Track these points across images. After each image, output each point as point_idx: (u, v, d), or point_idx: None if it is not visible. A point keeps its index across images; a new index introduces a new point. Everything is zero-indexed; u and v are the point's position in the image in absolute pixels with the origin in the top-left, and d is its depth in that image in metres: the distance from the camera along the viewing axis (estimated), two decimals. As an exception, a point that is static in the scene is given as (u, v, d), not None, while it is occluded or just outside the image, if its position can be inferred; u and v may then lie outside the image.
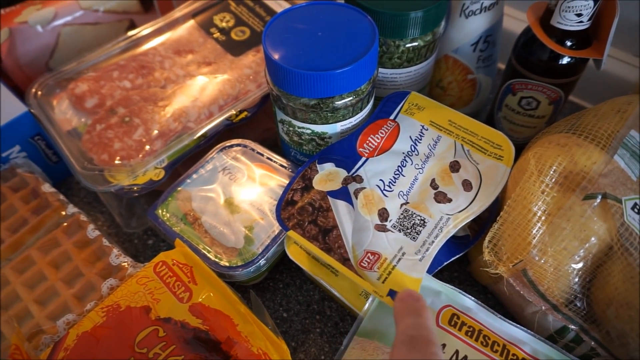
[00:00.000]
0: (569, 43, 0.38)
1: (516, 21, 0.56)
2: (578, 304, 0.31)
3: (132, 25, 0.59)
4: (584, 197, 0.29)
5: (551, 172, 0.30)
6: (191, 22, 0.53)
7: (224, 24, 0.53)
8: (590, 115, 0.36)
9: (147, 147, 0.43)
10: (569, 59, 0.39)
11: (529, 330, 0.32)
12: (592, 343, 0.31)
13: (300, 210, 0.34)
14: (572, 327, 0.31)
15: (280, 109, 0.39)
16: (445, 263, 0.36)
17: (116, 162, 0.42)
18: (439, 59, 0.47)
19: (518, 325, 0.32)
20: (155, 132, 0.44)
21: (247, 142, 0.45)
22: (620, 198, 0.29)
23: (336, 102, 0.36)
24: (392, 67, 0.42)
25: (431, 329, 0.25)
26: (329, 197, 0.34)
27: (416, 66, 0.42)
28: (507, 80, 0.43)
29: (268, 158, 0.43)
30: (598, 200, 0.29)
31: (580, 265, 0.30)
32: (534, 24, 0.39)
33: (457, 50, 0.45)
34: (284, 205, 0.35)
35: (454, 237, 0.37)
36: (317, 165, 0.37)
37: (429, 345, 0.24)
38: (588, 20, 0.36)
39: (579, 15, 0.36)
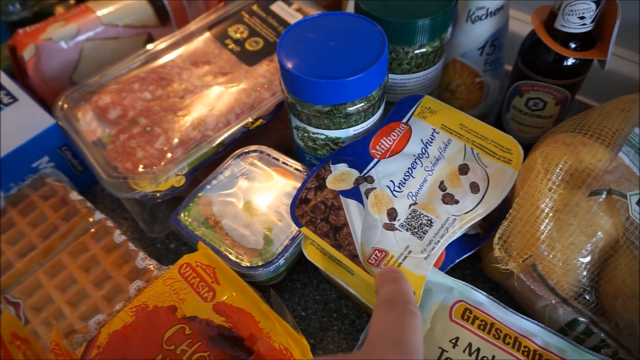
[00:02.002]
0: (573, 45, 0.39)
1: (522, 24, 0.57)
2: (587, 297, 0.33)
3: (150, 39, 0.61)
4: (590, 193, 0.30)
5: (557, 170, 0.31)
6: (207, 34, 0.55)
7: (238, 35, 0.55)
8: (595, 114, 0.37)
9: (169, 155, 0.45)
10: (573, 61, 0.40)
11: (540, 323, 0.33)
12: (602, 334, 0.32)
13: (313, 208, 0.36)
14: (582, 319, 0.32)
15: (295, 116, 0.41)
16: (457, 260, 0.37)
17: (139, 170, 0.44)
18: (447, 63, 0.48)
19: (529, 319, 0.33)
20: (176, 140, 0.46)
21: (263, 148, 0.47)
22: (626, 193, 0.30)
23: (348, 108, 0.38)
24: (401, 72, 0.43)
25: (407, 292, 0.28)
26: (340, 196, 0.36)
27: (425, 71, 0.44)
28: (514, 82, 0.44)
29: (284, 163, 0.45)
30: (603, 196, 0.30)
31: (588, 259, 0.31)
32: (538, 27, 0.40)
33: (464, 54, 0.47)
34: (298, 203, 0.37)
35: (465, 236, 0.38)
36: (331, 165, 0.38)
37: (405, 303, 0.26)
38: (591, 22, 0.38)
39: (582, 17, 0.37)
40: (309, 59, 0.37)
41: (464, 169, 0.37)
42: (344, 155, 0.38)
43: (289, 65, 0.37)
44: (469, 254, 0.38)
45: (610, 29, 0.38)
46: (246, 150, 0.47)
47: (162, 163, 0.44)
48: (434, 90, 0.47)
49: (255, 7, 0.57)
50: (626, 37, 0.52)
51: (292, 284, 0.44)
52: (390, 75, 0.44)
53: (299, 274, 0.44)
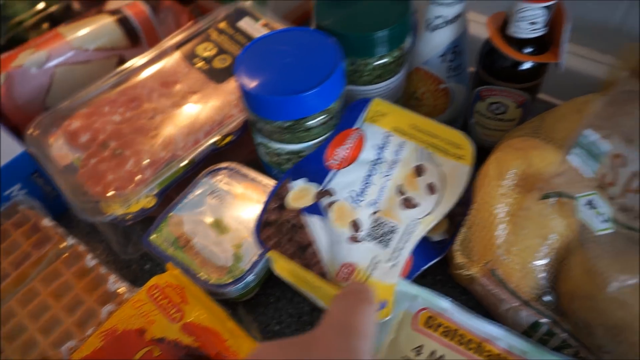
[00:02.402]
0: (527, 50, 0.40)
1: (484, 27, 0.58)
2: (547, 298, 0.33)
3: (122, 60, 0.62)
4: (541, 197, 0.31)
5: (510, 176, 0.32)
6: (176, 54, 0.56)
7: (206, 53, 0.55)
8: (551, 116, 0.38)
9: (139, 176, 0.45)
10: (529, 65, 0.41)
11: (504, 326, 0.34)
12: (564, 335, 0.33)
13: (277, 229, 0.36)
14: (544, 320, 0.33)
15: (257, 132, 0.41)
16: (424, 267, 0.38)
17: (110, 193, 0.44)
18: (410, 71, 0.49)
19: (494, 322, 0.34)
20: (146, 161, 0.46)
21: (233, 164, 0.47)
22: (574, 195, 0.31)
23: (309, 122, 0.39)
24: (363, 84, 0.44)
25: (362, 284, 0.26)
26: (303, 214, 0.37)
27: (387, 81, 0.44)
28: (475, 88, 0.45)
29: (252, 179, 0.45)
30: (554, 199, 0.31)
31: (544, 261, 0.32)
32: (493, 33, 0.41)
33: (426, 62, 0.47)
34: (262, 227, 0.37)
35: (432, 241, 0.39)
36: (290, 182, 0.39)
37: (358, 293, 0.25)
38: (543, 27, 0.38)
39: (533, 23, 0.38)
40: (267, 76, 0.38)
41: (419, 170, 0.38)
42: (301, 171, 0.39)
43: (247, 83, 0.37)
44: (437, 259, 0.38)
45: (561, 32, 0.39)
46: (216, 168, 0.47)
47: (132, 185, 0.45)
48: (398, 98, 0.48)
49: (223, 25, 0.57)
50: (588, 36, 0.52)
51: (266, 298, 0.44)
52: (353, 87, 0.44)
53: (273, 288, 0.45)
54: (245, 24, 0.57)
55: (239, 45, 0.55)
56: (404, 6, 0.42)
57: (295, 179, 0.39)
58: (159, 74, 0.54)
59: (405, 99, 0.52)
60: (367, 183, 0.38)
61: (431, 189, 0.37)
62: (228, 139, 0.48)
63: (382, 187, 0.38)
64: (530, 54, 0.40)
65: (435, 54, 0.47)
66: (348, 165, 0.39)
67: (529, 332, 0.35)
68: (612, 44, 0.52)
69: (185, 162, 0.46)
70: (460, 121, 0.55)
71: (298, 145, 0.40)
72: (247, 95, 0.37)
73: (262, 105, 0.37)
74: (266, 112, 0.38)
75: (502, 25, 0.41)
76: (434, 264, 0.38)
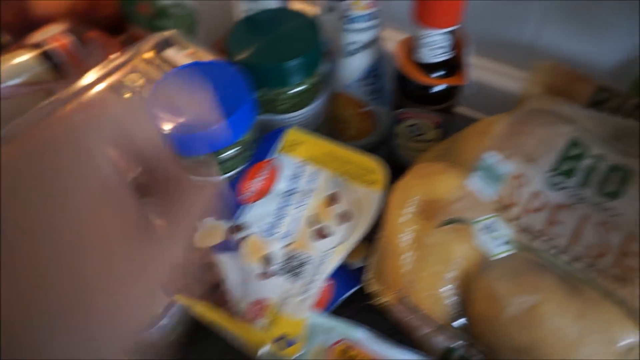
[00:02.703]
0: (436, 73, 0.41)
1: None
2: (460, 322, 0.33)
3: (50, 94, 0.60)
4: (441, 224, 0.31)
5: (412, 204, 0.32)
6: (102, 86, 0.55)
7: (134, 84, 0.54)
8: (460, 138, 0.38)
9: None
10: (440, 88, 0.41)
11: (421, 353, 0.34)
12: (479, 358, 0.33)
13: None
14: (458, 345, 0.33)
15: (172, 168, 0.40)
16: (346, 296, 0.38)
17: None
18: (333, 95, 0.49)
19: (411, 349, 0.34)
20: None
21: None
22: (474, 220, 0.31)
23: (221, 156, 0.38)
24: (281, 112, 0.44)
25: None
26: (213, 252, 0.36)
27: (305, 109, 0.44)
28: (393, 111, 0.45)
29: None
30: (453, 226, 0.31)
31: (451, 287, 0.32)
32: (402, 59, 0.42)
33: (347, 86, 0.48)
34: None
35: (352, 269, 0.38)
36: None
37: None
38: (448, 51, 0.39)
39: (437, 48, 0.39)
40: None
41: (333, 199, 0.38)
42: (214, 206, 0.38)
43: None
44: (357, 288, 0.38)
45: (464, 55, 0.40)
46: (140, 203, 0.46)
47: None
48: (321, 124, 0.48)
49: (150, 55, 0.57)
50: (507, 53, 0.54)
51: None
52: (271, 116, 0.44)
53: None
54: (172, 53, 0.57)
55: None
56: (315, 34, 0.42)
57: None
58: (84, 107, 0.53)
59: (332, 122, 0.52)
60: (280, 215, 0.37)
61: (344, 217, 0.37)
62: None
63: (295, 218, 0.37)
64: (440, 77, 0.41)
65: (354, 79, 0.47)
66: (261, 197, 0.38)
67: (445, 357, 0.35)
68: (527, 60, 0.53)
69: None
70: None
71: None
72: (154, 133, 0.37)
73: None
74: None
75: (411, 50, 0.41)
76: (360, 291, 0.38)
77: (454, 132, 0.49)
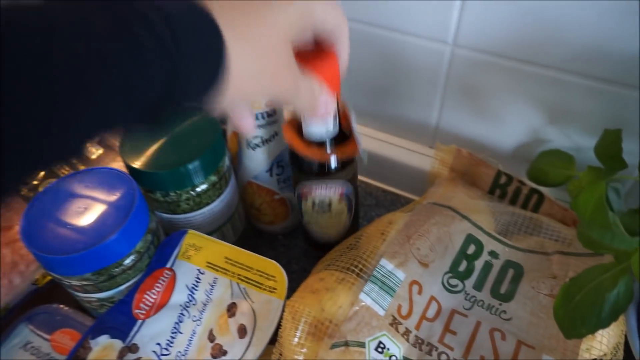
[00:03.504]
0: (328, 149, 0.39)
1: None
2: None
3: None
4: (331, 346, 0.30)
5: (302, 324, 0.31)
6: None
7: (32, 180, 0.51)
8: (363, 237, 0.38)
9: (-64, 337, 0.40)
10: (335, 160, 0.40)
11: None
12: None
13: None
14: None
15: (61, 283, 0.38)
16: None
17: None
18: (244, 184, 0.48)
19: None
20: (-54, 318, 0.41)
21: (54, 307, 0.43)
22: (364, 341, 0.30)
23: (113, 270, 0.36)
24: (183, 212, 0.42)
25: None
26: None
27: (209, 206, 0.43)
28: (295, 190, 0.44)
29: (74, 323, 0.42)
30: (344, 348, 0.30)
31: (347, 409, 0.31)
32: (292, 138, 0.39)
33: (256, 177, 0.47)
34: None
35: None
36: (90, 341, 0.35)
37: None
38: (334, 127, 0.38)
39: (323, 126, 0.37)
40: (56, 232, 0.35)
41: (231, 310, 0.36)
42: (105, 325, 0.36)
43: (36, 247, 0.34)
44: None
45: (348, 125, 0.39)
46: (33, 312, 0.43)
47: None
48: (232, 214, 0.47)
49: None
50: (417, 133, 0.55)
51: None
52: (173, 216, 0.43)
53: None
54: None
55: (69, 165, 0.52)
56: (215, 131, 0.42)
57: (96, 336, 0.36)
58: (-25, 206, 0.49)
59: (246, 209, 0.51)
60: (175, 332, 0.35)
61: (242, 332, 0.35)
62: (49, 277, 0.44)
63: (191, 334, 0.35)
64: (333, 149, 0.39)
65: (262, 169, 0.46)
66: (157, 312, 0.36)
67: None
68: (435, 140, 0.55)
69: (-3, 310, 0.42)
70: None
71: (106, 293, 0.38)
72: (39, 259, 0.34)
73: (53, 264, 0.35)
74: (60, 270, 0.35)
75: (299, 127, 0.39)
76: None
77: (363, 200, 0.49)
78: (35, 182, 0.51)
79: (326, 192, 0.42)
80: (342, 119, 0.39)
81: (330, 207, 0.44)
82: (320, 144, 0.39)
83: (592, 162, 0.41)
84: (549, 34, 0.40)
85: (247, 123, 0.32)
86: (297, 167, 0.42)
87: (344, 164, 0.41)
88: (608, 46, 0.38)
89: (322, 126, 0.37)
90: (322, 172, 0.41)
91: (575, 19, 0.39)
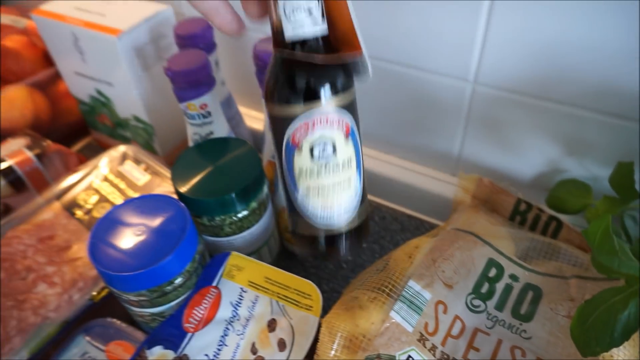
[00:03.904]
0: (320, 54, 0.29)
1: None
2: None
3: (7, 208, 0.62)
4: (364, 358, 0.33)
5: (338, 338, 0.34)
6: (56, 204, 0.57)
7: (87, 203, 0.57)
8: (391, 259, 0.41)
9: (5, 347, 0.44)
10: (335, 72, 0.30)
11: None
12: None
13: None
14: None
15: (118, 297, 0.42)
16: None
17: (-27, 370, 0.43)
18: (279, 210, 0.52)
19: None
20: (14, 329, 0.45)
21: (108, 321, 0.47)
22: (394, 354, 0.33)
23: (165, 288, 0.40)
24: (226, 235, 0.46)
25: None
26: (156, 386, 0.37)
27: (250, 229, 0.47)
28: (280, 140, 0.31)
29: (127, 335, 0.46)
30: (376, 361, 0.33)
31: (379, 417, 0.34)
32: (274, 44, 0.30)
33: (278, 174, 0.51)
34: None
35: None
36: (147, 351, 0.39)
37: None
38: (322, 20, 0.29)
39: (310, 13, 0.28)
40: (118, 251, 0.39)
41: (272, 325, 0.39)
42: (159, 337, 0.40)
43: (100, 263, 0.39)
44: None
45: (343, 13, 0.28)
46: (89, 326, 0.47)
47: (-2, 358, 0.44)
48: (268, 237, 0.51)
49: (105, 171, 0.59)
50: (440, 161, 0.59)
51: None
52: (216, 238, 0.47)
53: None
54: (126, 168, 0.60)
55: (119, 192, 0.57)
56: (255, 163, 0.46)
57: (151, 346, 0.39)
58: (36, 228, 0.54)
59: (280, 232, 0.55)
60: (221, 344, 0.39)
61: (281, 345, 0.39)
62: (104, 293, 0.49)
63: (236, 347, 0.39)
64: (324, 48, 0.29)
65: (296, 196, 0.50)
66: (204, 326, 0.40)
67: None
68: (458, 168, 0.58)
69: (58, 323, 0.46)
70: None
71: (159, 308, 0.42)
72: (101, 274, 0.39)
73: (115, 282, 0.39)
74: (119, 286, 0.39)
75: (274, 39, 0.30)
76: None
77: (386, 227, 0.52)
78: (89, 207, 0.56)
79: (329, 126, 0.30)
80: (333, 5, 0.29)
81: (335, 152, 0.31)
82: (306, 48, 0.29)
83: (608, 191, 0.44)
84: (563, 72, 0.44)
85: (222, 19, 0.28)
86: (285, 92, 0.30)
87: (345, 76, 0.30)
88: (617, 84, 0.41)
89: (307, 15, 0.28)
90: (313, 94, 0.29)
91: (586, 59, 0.42)
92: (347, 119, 0.30)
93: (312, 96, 0.29)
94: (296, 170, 0.31)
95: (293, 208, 0.33)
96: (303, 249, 0.34)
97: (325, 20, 0.29)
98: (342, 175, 0.31)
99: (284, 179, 0.33)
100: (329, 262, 0.55)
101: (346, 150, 0.31)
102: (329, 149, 0.30)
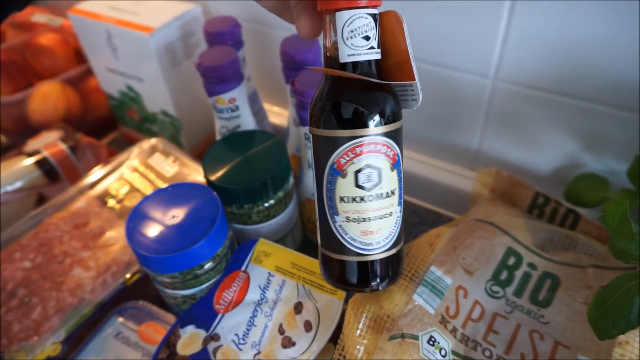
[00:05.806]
0: (374, 77, 0.29)
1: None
2: None
3: (41, 197, 0.65)
4: (389, 338, 0.35)
5: (363, 319, 0.36)
6: (89, 193, 0.60)
7: (118, 193, 0.59)
8: (414, 247, 0.43)
9: (45, 325, 0.47)
10: (386, 99, 0.29)
11: None
12: None
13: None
14: None
15: (152, 279, 0.45)
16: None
17: (15, 345, 0.46)
18: (303, 201, 0.54)
19: None
20: (53, 309, 0.48)
21: (140, 303, 0.50)
22: (417, 334, 0.35)
23: (197, 271, 0.42)
24: (253, 224, 0.49)
25: None
26: (191, 360, 0.39)
27: (276, 218, 0.49)
28: (325, 162, 0.30)
29: (158, 317, 0.48)
30: (400, 340, 0.35)
31: (401, 395, 0.35)
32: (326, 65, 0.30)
33: (313, 194, 0.53)
34: (150, 379, 0.39)
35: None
36: (180, 329, 0.41)
37: None
38: (378, 46, 0.29)
39: (367, 38, 0.28)
40: (154, 234, 0.42)
41: (298, 308, 0.41)
42: (191, 316, 0.42)
43: (136, 243, 0.41)
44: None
45: (398, 42, 0.28)
46: (123, 307, 0.50)
47: (38, 334, 0.46)
48: (292, 227, 0.53)
49: (135, 162, 0.62)
50: (457, 156, 0.60)
51: None
52: (244, 226, 0.49)
53: None
54: (155, 160, 0.62)
55: (149, 182, 0.60)
56: (282, 154, 0.48)
57: (184, 325, 0.42)
58: (71, 215, 0.57)
59: (303, 223, 0.57)
60: (250, 325, 0.41)
61: (308, 326, 0.40)
62: (135, 277, 0.51)
63: (264, 327, 0.41)
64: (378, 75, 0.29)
65: (320, 188, 0.52)
66: (234, 307, 0.42)
67: None
68: (477, 163, 0.59)
69: (93, 305, 0.49)
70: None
71: (190, 290, 0.44)
72: (137, 255, 0.41)
73: (150, 263, 0.41)
74: (155, 268, 0.41)
75: (326, 62, 0.30)
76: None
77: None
78: (120, 197, 0.59)
79: (375, 153, 0.29)
80: (389, 33, 0.29)
81: (380, 181, 0.30)
82: (357, 69, 0.29)
83: (626, 184, 0.45)
84: (580, 68, 0.45)
85: (300, 22, 0.28)
86: (335, 115, 0.29)
87: (393, 106, 0.30)
88: (634, 79, 0.43)
89: (363, 39, 0.28)
90: (365, 120, 0.28)
91: (603, 55, 0.43)
92: (395, 148, 0.30)
93: (363, 122, 0.28)
94: (337, 195, 0.30)
95: (329, 232, 0.32)
96: (332, 277, 0.33)
97: (380, 46, 0.29)
98: (385, 203, 0.30)
99: (321, 202, 0.32)
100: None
101: (391, 178, 0.30)
102: (375, 176, 0.29)
